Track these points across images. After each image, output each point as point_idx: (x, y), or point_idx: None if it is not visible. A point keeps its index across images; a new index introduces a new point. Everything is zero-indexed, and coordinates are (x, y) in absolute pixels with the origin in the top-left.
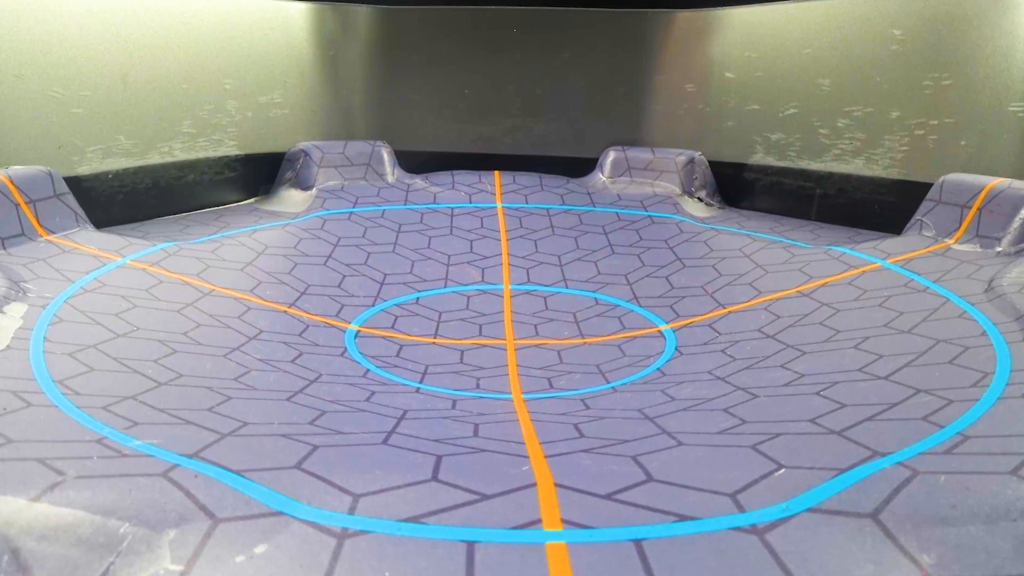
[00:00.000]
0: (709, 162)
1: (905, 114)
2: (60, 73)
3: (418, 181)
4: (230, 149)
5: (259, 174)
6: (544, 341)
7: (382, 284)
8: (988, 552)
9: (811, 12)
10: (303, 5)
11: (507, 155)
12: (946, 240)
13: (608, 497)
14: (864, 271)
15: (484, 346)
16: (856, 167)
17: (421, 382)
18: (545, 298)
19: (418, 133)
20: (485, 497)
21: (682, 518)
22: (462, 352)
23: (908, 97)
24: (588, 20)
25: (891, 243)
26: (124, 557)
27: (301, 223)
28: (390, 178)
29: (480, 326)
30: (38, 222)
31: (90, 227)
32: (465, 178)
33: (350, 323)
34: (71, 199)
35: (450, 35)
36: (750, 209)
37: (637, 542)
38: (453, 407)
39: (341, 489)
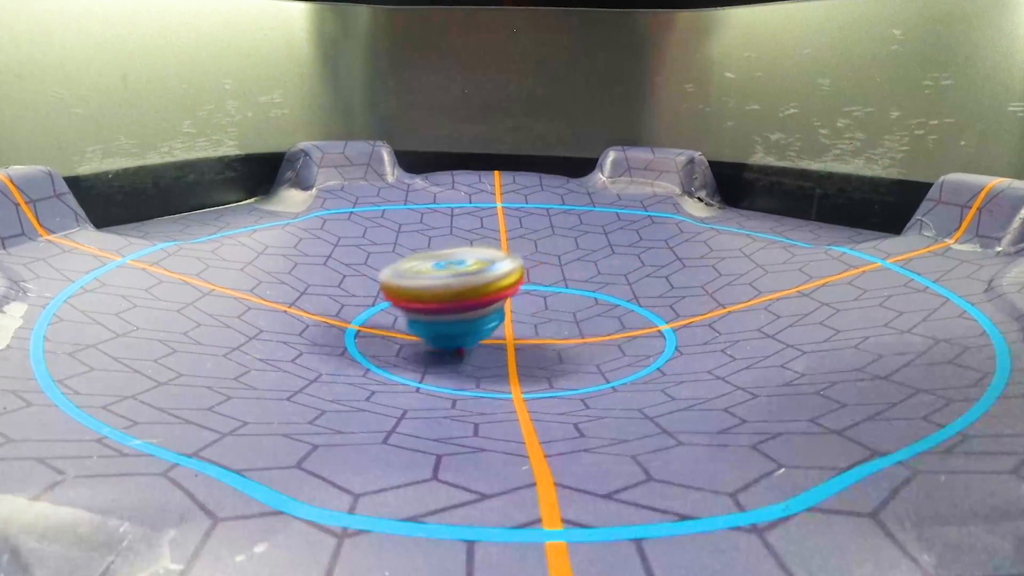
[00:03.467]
0: (709, 162)
1: (905, 114)
2: (60, 73)
3: (418, 181)
4: (230, 149)
5: (259, 174)
6: (544, 341)
7: None
8: (988, 552)
9: (811, 12)
10: (303, 5)
11: (507, 155)
12: (946, 240)
13: (608, 497)
14: (864, 271)
15: (484, 346)
16: (856, 167)
17: (421, 382)
18: (545, 298)
19: (418, 133)
20: (485, 497)
21: (682, 518)
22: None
23: (908, 97)
24: (588, 20)
25: (891, 243)
26: (124, 556)
27: (301, 223)
28: (390, 178)
29: None
30: (38, 222)
31: (90, 227)
32: (465, 178)
33: (350, 323)
34: (71, 199)
35: (450, 35)
36: (750, 209)
37: (637, 541)
38: (453, 407)
39: (341, 489)
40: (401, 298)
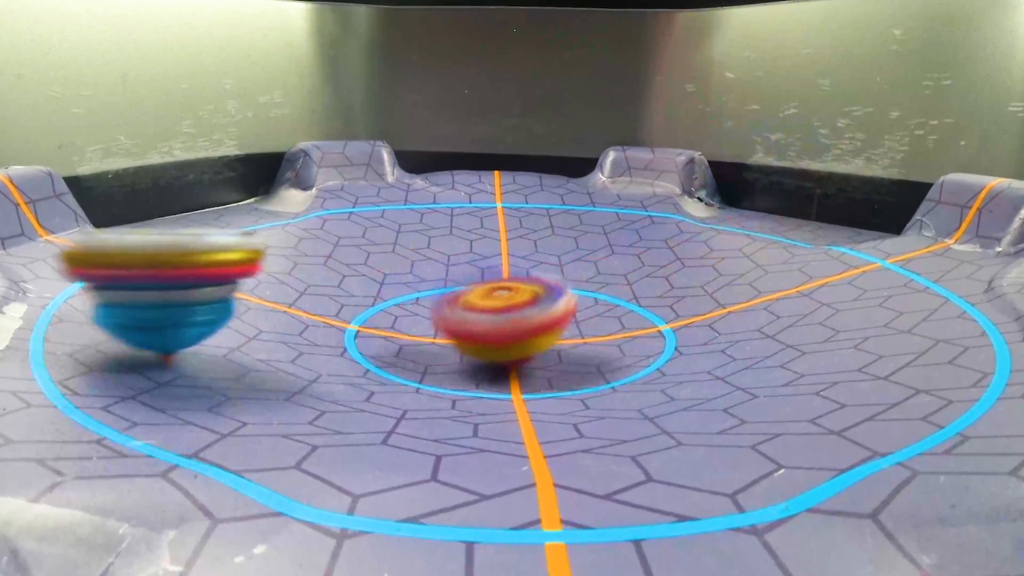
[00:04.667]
0: (709, 162)
1: (905, 114)
2: (60, 73)
3: (418, 181)
4: (230, 149)
5: (259, 174)
6: None
7: (382, 284)
8: (988, 553)
9: (811, 12)
10: (303, 5)
11: (507, 155)
12: (946, 240)
13: (607, 497)
14: (864, 271)
15: None
16: (856, 167)
17: (421, 382)
18: None
19: (418, 133)
20: (484, 497)
21: (682, 518)
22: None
23: (908, 97)
24: (588, 20)
25: (891, 243)
26: (123, 557)
27: (301, 223)
28: (390, 178)
29: None
30: (38, 222)
31: (90, 227)
32: (465, 178)
33: (350, 323)
34: (71, 199)
35: (450, 35)
36: (750, 209)
37: (636, 542)
38: (453, 407)
39: (340, 489)
40: (83, 264)
